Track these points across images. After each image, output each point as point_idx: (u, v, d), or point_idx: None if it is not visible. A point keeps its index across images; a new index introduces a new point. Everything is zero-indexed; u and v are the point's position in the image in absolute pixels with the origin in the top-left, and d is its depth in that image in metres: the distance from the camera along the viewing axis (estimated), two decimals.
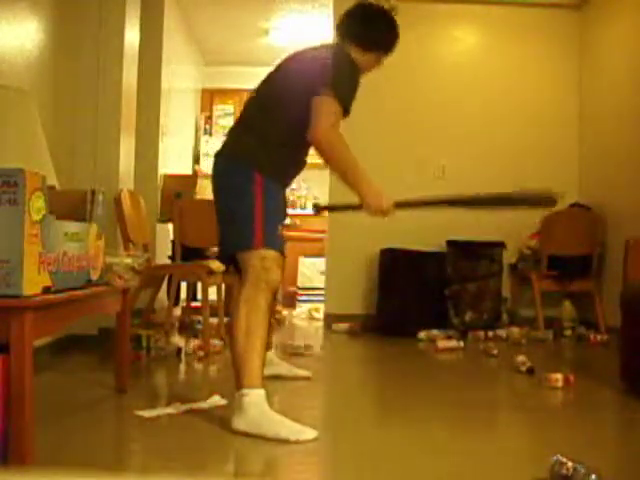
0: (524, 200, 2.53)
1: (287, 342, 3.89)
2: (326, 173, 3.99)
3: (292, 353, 3.73)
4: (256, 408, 2.14)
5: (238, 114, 2.60)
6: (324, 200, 5.49)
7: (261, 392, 2.18)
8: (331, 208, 2.31)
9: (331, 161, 2.32)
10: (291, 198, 7.31)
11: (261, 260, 2.27)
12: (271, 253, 2.29)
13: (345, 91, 2.33)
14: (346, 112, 2.33)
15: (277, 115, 2.38)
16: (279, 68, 2.50)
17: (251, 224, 2.30)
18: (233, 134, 2.50)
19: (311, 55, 2.46)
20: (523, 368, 3.29)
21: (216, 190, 2.43)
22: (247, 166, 2.36)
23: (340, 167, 2.33)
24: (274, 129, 2.38)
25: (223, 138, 2.53)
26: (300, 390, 2.95)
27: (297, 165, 2.56)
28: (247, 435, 2.10)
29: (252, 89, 2.57)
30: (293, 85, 2.38)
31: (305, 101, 2.30)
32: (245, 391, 2.16)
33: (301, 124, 2.30)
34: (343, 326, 4.94)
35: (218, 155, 2.45)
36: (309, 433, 2.12)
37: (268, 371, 2.72)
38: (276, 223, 2.38)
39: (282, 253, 2.39)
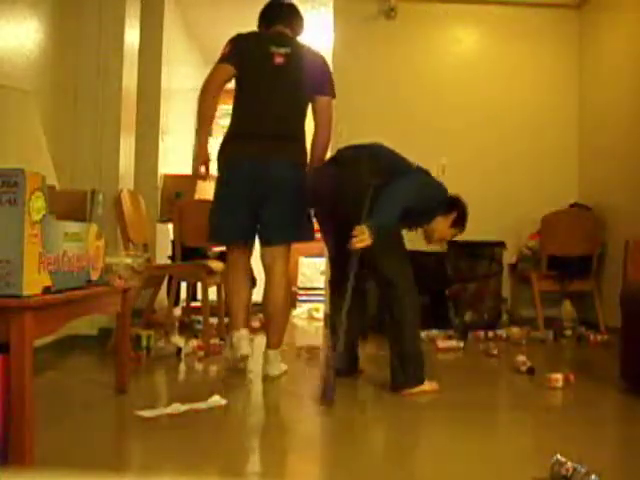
0: None
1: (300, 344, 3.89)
2: None
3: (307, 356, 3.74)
4: (279, 360, 3.10)
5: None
6: None
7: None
8: None
9: (326, 145, 3.16)
10: None
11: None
12: None
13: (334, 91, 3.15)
14: None
15: (303, 109, 3.12)
16: (288, 68, 3.04)
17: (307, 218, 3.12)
18: (283, 143, 3.02)
19: (311, 59, 3.11)
20: (523, 368, 3.29)
21: (291, 188, 3.00)
22: (301, 166, 3.06)
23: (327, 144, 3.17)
24: (302, 122, 3.11)
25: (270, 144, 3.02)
26: (299, 390, 2.95)
27: None
28: (278, 378, 3.01)
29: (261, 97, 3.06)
30: (309, 82, 3.05)
31: (308, 93, 3.07)
32: (277, 350, 3.08)
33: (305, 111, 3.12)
34: None
35: (280, 159, 2.99)
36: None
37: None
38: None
39: None
